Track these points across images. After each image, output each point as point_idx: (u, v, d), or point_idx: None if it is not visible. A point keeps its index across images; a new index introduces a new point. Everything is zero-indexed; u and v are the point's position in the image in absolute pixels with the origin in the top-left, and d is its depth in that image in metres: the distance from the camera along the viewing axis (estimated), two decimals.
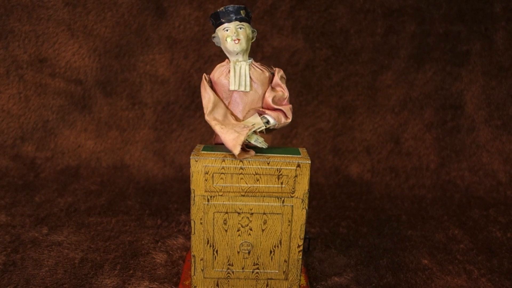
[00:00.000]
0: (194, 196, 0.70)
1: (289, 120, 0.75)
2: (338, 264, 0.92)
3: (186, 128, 1.51)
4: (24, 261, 0.87)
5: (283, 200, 0.71)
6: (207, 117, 0.72)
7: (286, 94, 0.75)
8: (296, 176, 0.70)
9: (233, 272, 0.75)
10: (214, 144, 0.77)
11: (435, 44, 1.53)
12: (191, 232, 0.72)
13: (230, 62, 0.74)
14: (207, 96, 0.73)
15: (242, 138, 0.67)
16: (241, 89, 0.73)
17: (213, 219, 0.71)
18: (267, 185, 0.70)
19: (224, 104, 0.74)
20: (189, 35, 1.50)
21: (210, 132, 1.47)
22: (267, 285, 0.76)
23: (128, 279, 0.83)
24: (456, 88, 1.54)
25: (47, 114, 1.48)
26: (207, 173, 0.69)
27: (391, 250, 1.00)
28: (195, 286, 0.75)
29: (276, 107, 0.74)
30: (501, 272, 0.93)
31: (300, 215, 0.72)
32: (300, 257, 0.74)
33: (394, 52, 1.53)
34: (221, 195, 0.70)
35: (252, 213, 0.71)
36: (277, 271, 0.75)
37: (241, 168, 0.69)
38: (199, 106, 1.50)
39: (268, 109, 0.74)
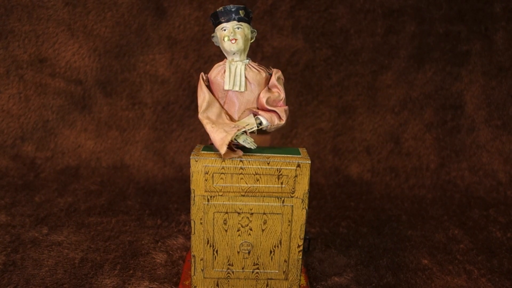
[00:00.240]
0: (194, 196, 0.70)
1: (283, 122, 0.74)
2: (338, 264, 0.92)
3: (186, 128, 1.51)
4: (24, 261, 0.87)
5: (283, 200, 0.71)
6: (200, 116, 0.72)
7: (282, 95, 0.75)
8: (296, 176, 0.70)
9: (233, 272, 0.75)
10: (210, 144, 0.77)
11: (435, 44, 1.53)
12: (191, 232, 0.72)
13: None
14: (202, 95, 0.74)
15: (229, 138, 0.67)
16: (235, 89, 0.73)
17: (213, 219, 0.71)
18: (267, 185, 0.70)
19: (220, 103, 0.74)
20: (189, 35, 1.50)
21: None
22: (267, 285, 0.76)
23: (128, 279, 0.83)
24: (456, 88, 1.54)
25: (47, 114, 1.48)
26: (207, 173, 0.69)
27: (391, 250, 1.00)
28: (195, 286, 0.75)
29: (270, 108, 0.73)
30: (501, 272, 0.93)
31: (300, 215, 0.72)
32: (300, 257, 0.74)
33: (394, 52, 1.53)
34: (221, 195, 0.70)
35: (252, 213, 0.71)
36: (277, 271, 0.75)
37: (241, 168, 0.69)
38: None
39: (262, 109, 0.74)
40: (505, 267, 0.95)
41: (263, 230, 0.72)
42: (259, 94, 0.74)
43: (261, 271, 0.75)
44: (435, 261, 0.96)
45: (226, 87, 0.73)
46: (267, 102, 0.73)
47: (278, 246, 0.73)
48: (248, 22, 0.74)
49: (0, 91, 1.46)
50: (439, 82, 1.54)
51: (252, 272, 0.75)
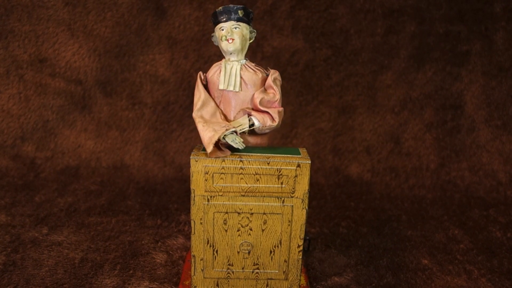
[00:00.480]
0: (194, 196, 0.70)
1: (276, 123, 0.74)
2: (338, 264, 0.92)
3: (186, 128, 1.51)
4: (24, 261, 0.87)
5: (283, 200, 0.71)
6: (193, 114, 0.73)
7: (278, 97, 0.74)
8: (296, 176, 0.70)
9: (233, 272, 0.75)
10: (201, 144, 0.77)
11: (435, 44, 1.53)
12: (191, 232, 0.72)
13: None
14: (197, 94, 0.74)
15: (216, 137, 0.67)
16: (229, 88, 0.73)
17: (213, 219, 0.71)
18: (267, 185, 0.70)
19: (215, 103, 0.74)
20: (189, 35, 1.50)
21: None
22: (267, 285, 0.76)
23: (128, 279, 0.83)
24: (456, 88, 1.54)
25: (47, 114, 1.48)
26: (207, 173, 0.69)
27: (391, 250, 1.00)
28: (195, 286, 0.75)
29: (263, 109, 0.73)
30: (501, 272, 0.93)
31: (300, 215, 0.72)
32: (300, 257, 0.74)
33: (394, 52, 1.53)
34: (221, 195, 0.70)
35: (252, 213, 0.71)
36: (277, 271, 0.75)
37: (241, 168, 0.69)
38: None
39: (256, 110, 0.74)
40: (505, 267, 0.95)
41: (263, 230, 0.72)
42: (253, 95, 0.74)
43: (261, 271, 0.75)
44: (435, 261, 0.96)
45: (221, 87, 0.73)
46: (260, 102, 0.73)
47: (278, 246, 0.73)
48: (247, 22, 0.74)
49: (0, 91, 1.46)
50: (439, 82, 1.54)
51: (252, 272, 0.75)
